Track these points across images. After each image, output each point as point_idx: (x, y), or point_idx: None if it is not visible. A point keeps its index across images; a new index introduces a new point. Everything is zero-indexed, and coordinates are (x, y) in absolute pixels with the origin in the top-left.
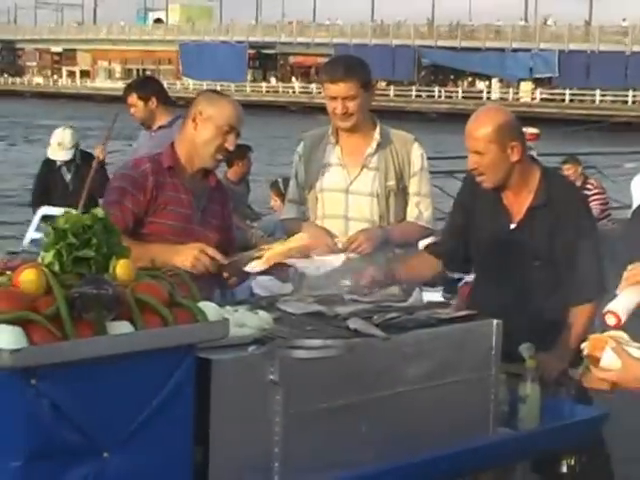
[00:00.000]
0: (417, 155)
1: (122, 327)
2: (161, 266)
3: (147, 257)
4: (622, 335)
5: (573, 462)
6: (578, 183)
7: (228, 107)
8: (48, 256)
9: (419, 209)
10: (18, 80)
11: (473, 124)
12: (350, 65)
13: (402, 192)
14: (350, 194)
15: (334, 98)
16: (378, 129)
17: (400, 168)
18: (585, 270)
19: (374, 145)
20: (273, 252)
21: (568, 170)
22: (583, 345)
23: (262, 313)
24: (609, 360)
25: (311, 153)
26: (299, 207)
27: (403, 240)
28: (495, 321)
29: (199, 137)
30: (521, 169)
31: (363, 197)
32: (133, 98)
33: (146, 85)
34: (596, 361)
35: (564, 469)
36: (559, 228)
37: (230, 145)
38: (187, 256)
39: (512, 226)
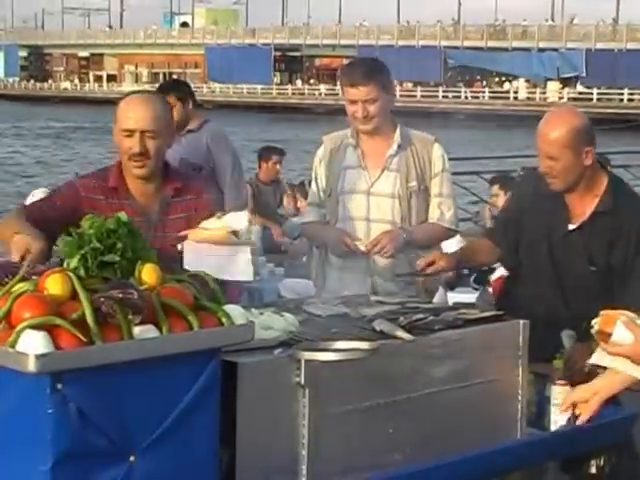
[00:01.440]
0: (438, 156)
1: (148, 331)
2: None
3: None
4: (633, 314)
5: (602, 463)
6: None
7: (124, 109)
8: (73, 261)
9: (441, 210)
10: (46, 85)
11: (546, 127)
12: (370, 68)
13: (424, 193)
14: (371, 196)
15: (354, 102)
16: (398, 130)
17: (421, 169)
18: (636, 287)
19: (395, 147)
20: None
21: None
22: (594, 322)
23: (288, 316)
24: (621, 335)
25: (331, 156)
26: (319, 210)
27: (426, 241)
28: (522, 321)
29: (118, 147)
30: (591, 173)
31: (384, 199)
32: (172, 99)
33: (181, 86)
34: (607, 337)
35: (593, 470)
36: (620, 237)
37: (135, 148)
38: (17, 244)
39: (571, 227)
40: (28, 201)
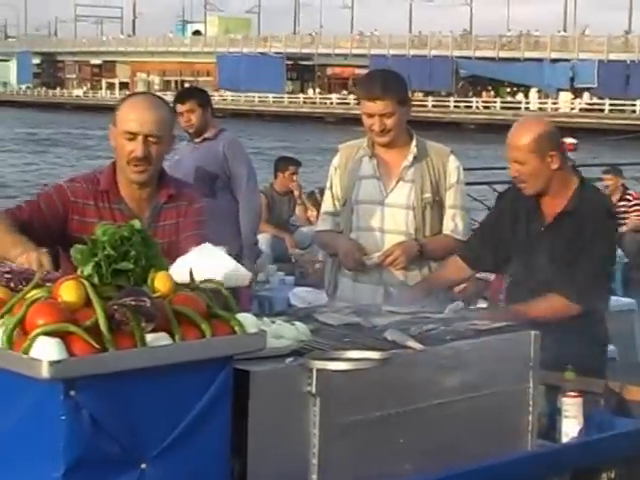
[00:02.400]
0: (453, 167)
1: (160, 339)
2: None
3: None
4: None
5: (614, 475)
6: (618, 194)
7: (127, 111)
8: (87, 268)
9: (455, 222)
10: (58, 92)
11: (514, 135)
12: (387, 82)
13: (438, 205)
14: (386, 207)
15: (371, 115)
16: (414, 142)
17: (436, 180)
18: (580, 276)
19: (410, 158)
20: None
21: (609, 180)
22: None
23: (299, 325)
24: None
25: (347, 165)
26: (334, 219)
27: (439, 253)
28: (533, 332)
29: (115, 149)
30: (560, 177)
31: (399, 210)
32: (193, 104)
33: (201, 93)
34: None
35: None
36: (579, 234)
37: (137, 152)
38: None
39: (542, 229)
40: None
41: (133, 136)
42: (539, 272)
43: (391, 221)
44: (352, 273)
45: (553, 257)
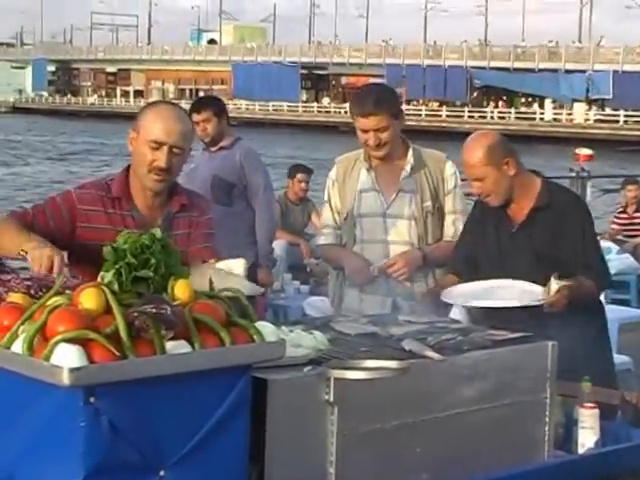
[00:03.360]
0: (450, 173)
1: (180, 347)
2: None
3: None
4: None
5: None
6: (635, 205)
7: (154, 120)
8: (108, 275)
9: (455, 227)
10: (73, 100)
11: (466, 154)
12: (379, 97)
13: (438, 211)
14: (388, 218)
15: (365, 130)
16: (411, 151)
17: (435, 188)
18: (596, 265)
19: (408, 168)
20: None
21: (631, 192)
22: None
23: (317, 334)
24: None
25: (344, 178)
26: (335, 232)
27: (443, 259)
28: (550, 343)
29: (135, 158)
30: (521, 181)
31: (401, 220)
32: (209, 114)
33: (217, 102)
34: None
35: None
36: (565, 228)
37: (161, 163)
38: (40, 259)
39: (513, 230)
40: None
41: (158, 146)
42: (523, 271)
43: (394, 232)
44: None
45: (533, 250)
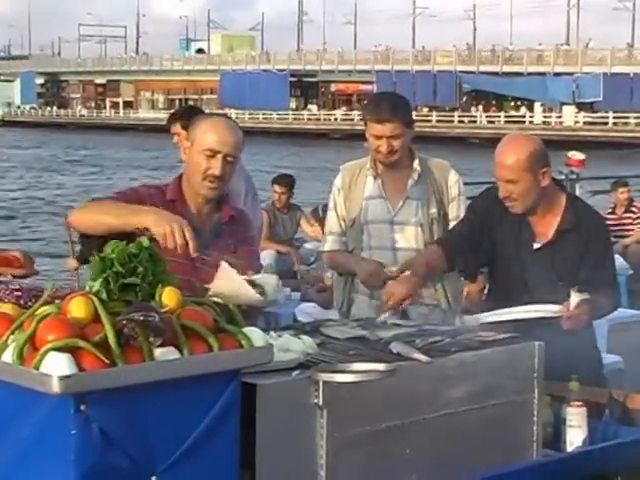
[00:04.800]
0: (454, 181)
1: (169, 353)
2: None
3: (117, 212)
4: None
5: None
6: (623, 206)
7: (209, 130)
8: (96, 284)
9: None
10: (62, 112)
11: (504, 154)
12: (395, 105)
13: (443, 218)
14: (395, 225)
15: (379, 137)
16: (417, 160)
17: (440, 195)
18: (612, 285)
19: (415, 176)
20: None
21: (623, 194)
22: None
23: (306, 338)
24: None
25: (350, 185)
26: (341, 239)
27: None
28: (537, 343)
29: (188, 164)
30: (549, 193)
31: (408, 227)
32: (177, 128)
33: (194, 113)
34: None
35: None
36: (588, 251)
37: (215, 170)
38: (164, 225)
39: (536, 246)
40: None
41: (213, 154)
42: (543, 290)
43: (402, 238)
44: (369, 291)
45: (556, 271)
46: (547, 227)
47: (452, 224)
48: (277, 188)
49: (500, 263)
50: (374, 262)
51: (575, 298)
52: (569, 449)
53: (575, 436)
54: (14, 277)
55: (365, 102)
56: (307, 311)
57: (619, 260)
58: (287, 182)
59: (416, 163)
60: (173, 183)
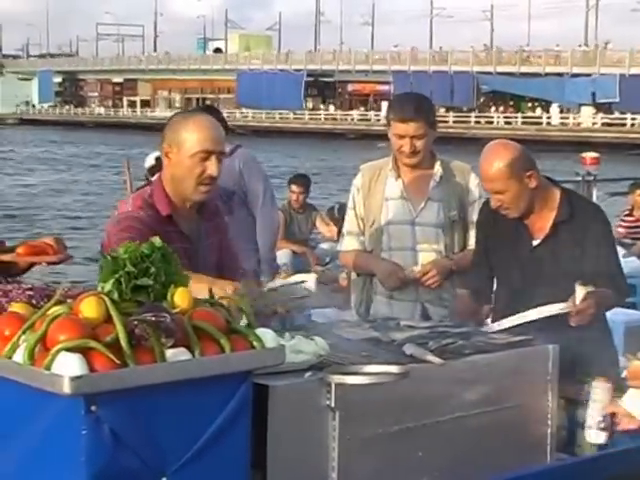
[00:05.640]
0: (475, 184)
1: (180, 354)
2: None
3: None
4: None
5: None
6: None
7: (197, 131)
8: (107, 285)
9: None
10: (80, 110)
11: (486, 166)
12: (419, 104)
13: (463, 221)
14: (417, 226)
15: (402, 136)
16: (439, 162)
17: (460, 198)
18: (617, 276)
19: (437, 178)
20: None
21: None
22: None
23: (318, 339)
24: None
25: (370, 186)
26: (359, 238)
27: (468, 268)
28: (551, 346)
29: (176, 172)
30: (541, 193)
31: (429, 228)
32: None
33: (212, 111)
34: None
35: None
36: (587, 241)
37: (212, 172)
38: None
39: (535, 242)
40: (146, 165)
41: (208, 155)
42: (546, 286)
43: (423, 240)
44: (387, 291)
45: (556, 265)
46: (544, 222)
47: (472, 227)
48: (295, 188)
49: (502, 267)
50: (393, 263)
51: (580, 292)
52: (589, 423)
53: (595, 411)
54: (49, 264)
55: (389, 102)
56: (322, 312)
57: (636, 262)
58: (304, 182)
59: (438, 165)
60: (160, 195)
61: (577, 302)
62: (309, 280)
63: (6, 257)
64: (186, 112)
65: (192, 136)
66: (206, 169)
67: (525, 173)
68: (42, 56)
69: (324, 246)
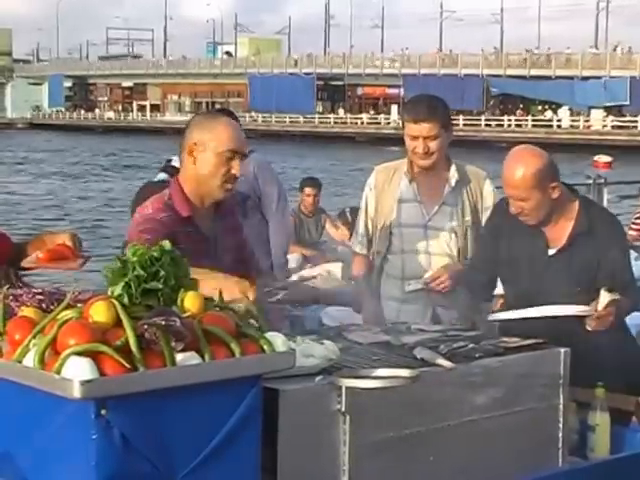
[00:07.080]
0: (489, 191)
1: (190, 358)
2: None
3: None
4: None
5: None
6: None
7: (224, 130)
8: (117, 288)
9: None
10: (90, 115)
11: (511, 173)
12: (433, 105)
13: (476, 227)
14: (429, 230)
15: (415, 137)
16: (454, 166)
17: (474, 204)
18: (632, 286)
19: (452, 182)
20: None
21: None
22: None
23: (329, 343)
24: None
25: (383, 187)
26: (364, 239)
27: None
28: (563, 349)
29: (201, 171)
30: (561, 203)
31: (443, 232)
32: None
33: (228, 114)
34: None
35: None
36: (604, 252)
37: (237, 171)
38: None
39: (551, 252)
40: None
41: (233, 155)
42: (560, 297)
43: (435, 244)
44: (399, 296)
45: (572, 276)
46: (561, 233)
47: None
48: (309, 191)
49: (515, 274)
50: (378, 309)
51: (606, 298)
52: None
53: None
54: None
55: (404, 103)
56: (333, 315)
57: None
58: (317, 185)
59: (453, 169)
60: (180, 196)
61: (600, 307)
62: (336, 269)
63: (30, 265)
64: (208, 113)
65: (220, 135)
66: (231, 168)
67: (550, 184)
68: (52, 60)
69: (338, 249)
